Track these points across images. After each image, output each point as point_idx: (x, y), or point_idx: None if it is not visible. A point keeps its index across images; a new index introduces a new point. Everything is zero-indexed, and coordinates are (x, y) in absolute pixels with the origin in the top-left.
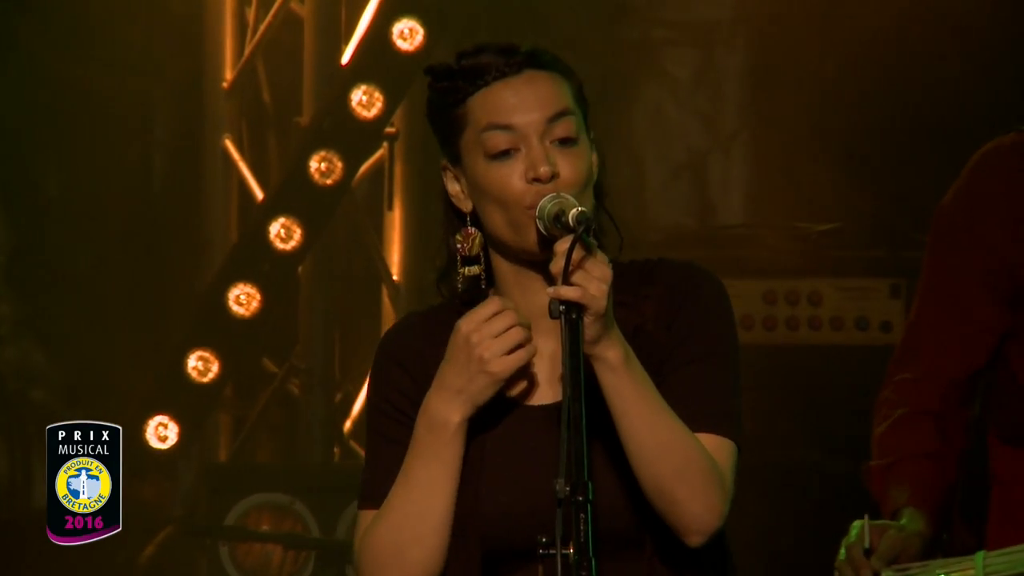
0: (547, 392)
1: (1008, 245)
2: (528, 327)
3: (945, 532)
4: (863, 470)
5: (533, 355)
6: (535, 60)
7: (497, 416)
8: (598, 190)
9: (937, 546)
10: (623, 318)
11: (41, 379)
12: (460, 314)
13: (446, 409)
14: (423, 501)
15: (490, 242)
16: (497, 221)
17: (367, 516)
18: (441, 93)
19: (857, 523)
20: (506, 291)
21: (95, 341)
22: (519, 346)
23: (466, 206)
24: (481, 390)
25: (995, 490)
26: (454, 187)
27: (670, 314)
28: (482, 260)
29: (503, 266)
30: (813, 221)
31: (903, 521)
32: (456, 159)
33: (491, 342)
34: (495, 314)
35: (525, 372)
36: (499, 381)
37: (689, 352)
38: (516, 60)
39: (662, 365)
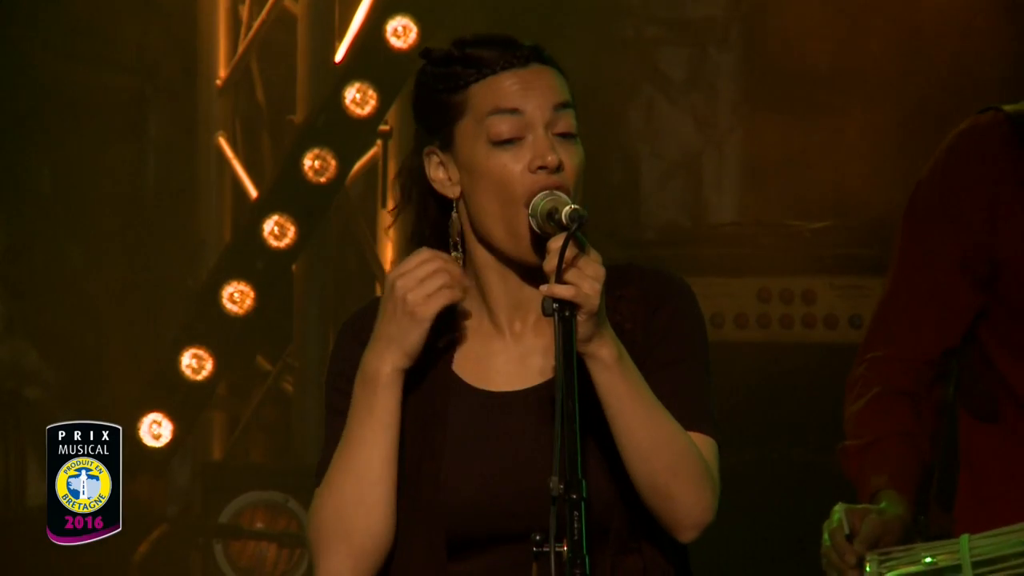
0: (512, 379)
1: (984, 225)
2: (460, 278)
3: (922, 514)
4: (838, 449)
5: (458, 298)
6: (539, 55)
7: (460, 401)
8: None
9: (915, 529)
10: None
11: (35, 378)
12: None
13: (376, 359)
14: (360, 459)
15: (475, 229)
16: (490, 212)
17: (317, 491)
18: (438, 78)
19: (838, 507)
20: (484, 276)
21: (89, 340)
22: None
23: (452, 192)
24: (405, 333)
25: (964, 467)
26: (438, 173)
27: (647, 316)
28: (460, 248)
29: (482, 252)
30: (807, 219)
31: (883, 504)
32: (448, 145)
33: (415, 284)
34: (424, 261)
35: (491, 358)
36: (422, 321)
37: (666, 354)
38: (522, 53)
39: (639, 365)
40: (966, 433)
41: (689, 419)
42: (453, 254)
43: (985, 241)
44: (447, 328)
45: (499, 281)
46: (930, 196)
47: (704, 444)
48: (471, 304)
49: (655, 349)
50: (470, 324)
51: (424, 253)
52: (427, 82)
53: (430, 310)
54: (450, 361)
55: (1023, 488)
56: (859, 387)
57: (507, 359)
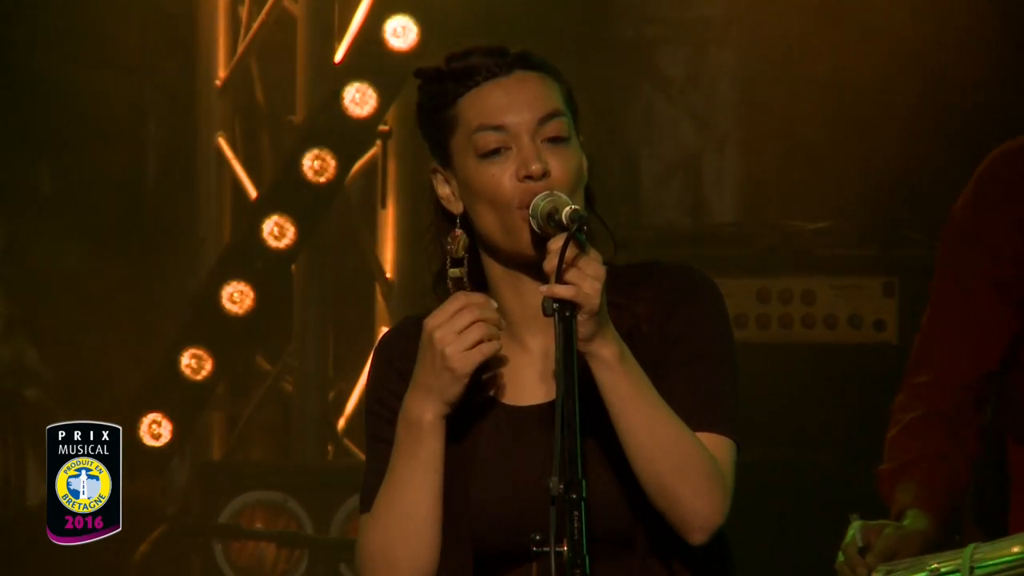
0: (538, 392)
1: (1014, 247)
2: (496, 322)
3: (957, 533)
4: (874, 474)
5: (496, 351)
6: (525, 61)
7: (489, 418)
8: (587, 194)
9: (949, 547)
10: (617, 320)
11: (35, 378)
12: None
13: (419, 407)
14: (406, 500)
15: (481, 243)
16: (488, 222)
17: (364, 520)
18: (431, 95)
19: (854, 524)
20: (498, 292)
21: (88, 340)
22: (484, 342)
23: (456, 208)
24: (446, 387)
25: (1015, 492)
26: (444, 190)
27: (664, 315)
28: (465, 263)
29: (495, 267)
30: (806, 219)
31: (906, 521)
32: (447, 161)
33: (453, 338)
34: (460, 310)
35: (516, 373)
36: (461, 377)
37: (685, 352)
38: (506, 61)
39: (657, 366)
40: (1012, 456)
41: (704, 419)
42: (453, 270)
43: (1018, 266)
44: None
45: (513, 293)
46: (964, 221)
47: (718, 445)
48: None
49: (673, 348)
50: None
51: (459, 300)
52: (422, 100)
53: (468, 367)
54: (479, 377)
55: None
56: (898, 413)
57: (532, 372)
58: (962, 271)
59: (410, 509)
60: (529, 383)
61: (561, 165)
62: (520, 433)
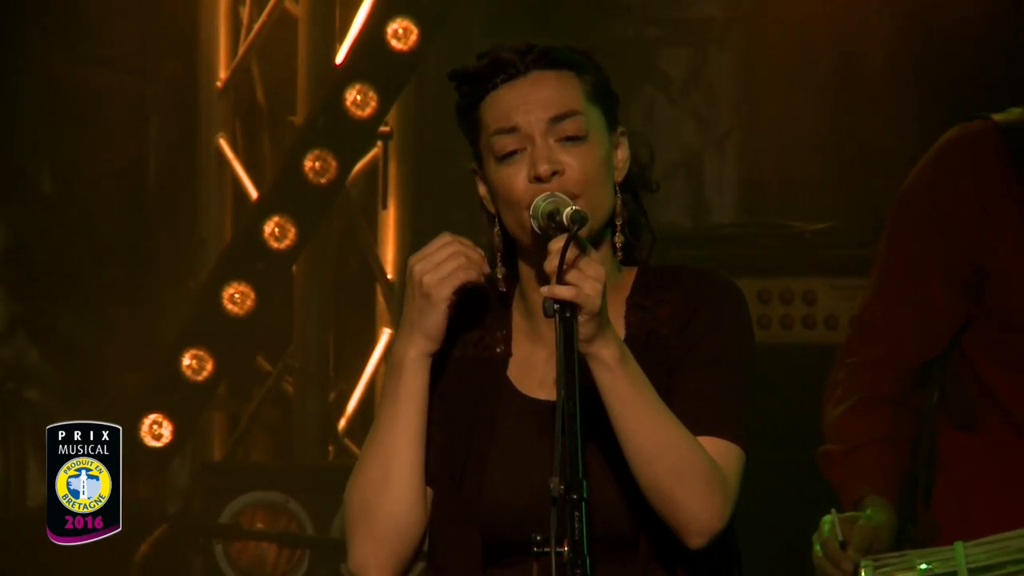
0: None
1: (970, 232)
2: (479, 264)
3: (909, 523)
4: (819, 455)
5: (473, 278)
6: (545, 60)
7: (507, 405)
8: (636, 184)
9: (903, 537)
10: (638, 322)
11: (35, 378)
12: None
13: (403, 346)
14: (385, 440)
15: (512, 239)
16: (509, 222)
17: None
18: (461, 96)
19: (827, 518)
20: (528, 288)
21: (89, 340)
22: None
23: (492, 207)
24: (424, 316)
25: (941, 475)
26: (482, 189)
27: (684, 319)
28: (499, 261)
29: (523, 264)
30: (807, 220)
31: (868, 512)
32: (480, 163)
33: (431, 267)
34: (443, 245)
35: (536, 366)
36: (437, 303)
37: (700, 357)
38: (525, 61)
39: (674, 369)
40: (946, 441)
41: (710, 423)
42: (493, 268)
43: (972, 252)
44: (504, 335)
45: (537, 290)
46: (917, 204)
47: (722, 450)
48: (522, 312)
49: (690, 352)
50: (522, 332)
51: (444, 237)
52: (457, 101)
53: (444, 291)
54: (504, 366)
55: (1004, 496)
56: (840, 392)
57: (551, 367)
58: (912, 253)
59: (390, 450)
60: (548, 378)
61: (577, 164)
62: (536, 425)
